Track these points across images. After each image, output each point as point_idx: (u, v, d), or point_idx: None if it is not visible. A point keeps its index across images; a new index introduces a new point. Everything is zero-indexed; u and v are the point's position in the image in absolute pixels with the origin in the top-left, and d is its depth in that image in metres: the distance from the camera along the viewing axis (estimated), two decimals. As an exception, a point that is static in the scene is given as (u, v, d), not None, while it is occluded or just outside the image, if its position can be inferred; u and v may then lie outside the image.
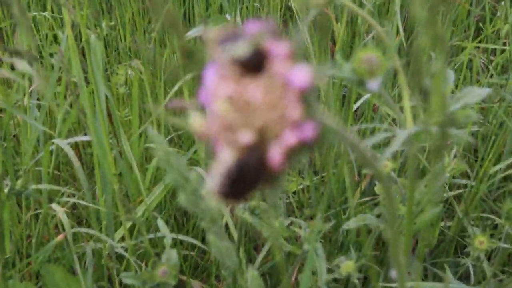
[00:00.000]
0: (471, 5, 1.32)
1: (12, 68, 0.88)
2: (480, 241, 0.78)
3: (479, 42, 1.22)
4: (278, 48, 0.17)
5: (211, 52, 0.18)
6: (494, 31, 1.20)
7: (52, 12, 1.19)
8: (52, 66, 1.14)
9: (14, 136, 1.08)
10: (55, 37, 1.18)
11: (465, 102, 0.42)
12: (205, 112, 0.18)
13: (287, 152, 0.17)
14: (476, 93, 0.42)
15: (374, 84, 0.35)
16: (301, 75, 0.17)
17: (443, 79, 0.40)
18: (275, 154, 0.17)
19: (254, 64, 0.17)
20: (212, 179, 0.17)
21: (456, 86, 1.17)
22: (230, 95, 0.17)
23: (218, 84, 0.17)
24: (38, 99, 0.94)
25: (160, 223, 0.60)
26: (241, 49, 0.17)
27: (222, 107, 0.17)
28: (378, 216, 0.87)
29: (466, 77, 1.13)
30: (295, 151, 0.17)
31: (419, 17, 0.25)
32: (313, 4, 0.38)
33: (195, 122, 0.18)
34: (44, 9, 1.28)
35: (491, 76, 1.12)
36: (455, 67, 1.20)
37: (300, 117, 0.17)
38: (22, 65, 0.42)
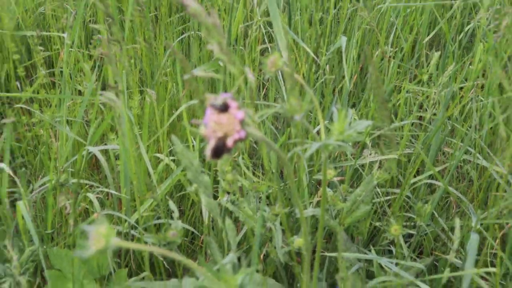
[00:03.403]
0: (413, 50, 1.67)
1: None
2: (395, 229, 1.10)
3: (416, 83, 1.56)
4: (233, 104, 0.50)
5: (208, 103, 0.51)
6: (430, 75, 1.55)
7: (79, 47, 1.53)
8: (80, 92, 1.47)
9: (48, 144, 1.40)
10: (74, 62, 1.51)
11: (356, 129, 0.75)
12: (204, 125, 0.51)
13: (235, 141, 0.50)
14: (364, 124, 0.75)
15: (297, 117, 0.68)
16: (241, 114, 0.50)
17: (345, 115, 0.74)
18: (230, 142, 0.50)
19: (223, 109, 0.50)
20: (207, 152, 0.50)
21: (396, 118, 1.51)
22: (214, 120, 0.50)
23: (210, 115, 0.50)
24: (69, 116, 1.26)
25: (171, 203, 0.92)
26: (218, 103, 0.50)
27: (211, 123, 0.50)
28: (327, 210, 1.20)
29: (403, 111, 1.47)
30: (237, 141, 0.50)
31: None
32: (268, 71, 0.72)
33: (202, 129, 0.51)
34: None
35: (420, 107, 1.46)
36: (397, 103, 1.54)
37: (239, 129, 0.50)
38: (109, 94, 0.75)
